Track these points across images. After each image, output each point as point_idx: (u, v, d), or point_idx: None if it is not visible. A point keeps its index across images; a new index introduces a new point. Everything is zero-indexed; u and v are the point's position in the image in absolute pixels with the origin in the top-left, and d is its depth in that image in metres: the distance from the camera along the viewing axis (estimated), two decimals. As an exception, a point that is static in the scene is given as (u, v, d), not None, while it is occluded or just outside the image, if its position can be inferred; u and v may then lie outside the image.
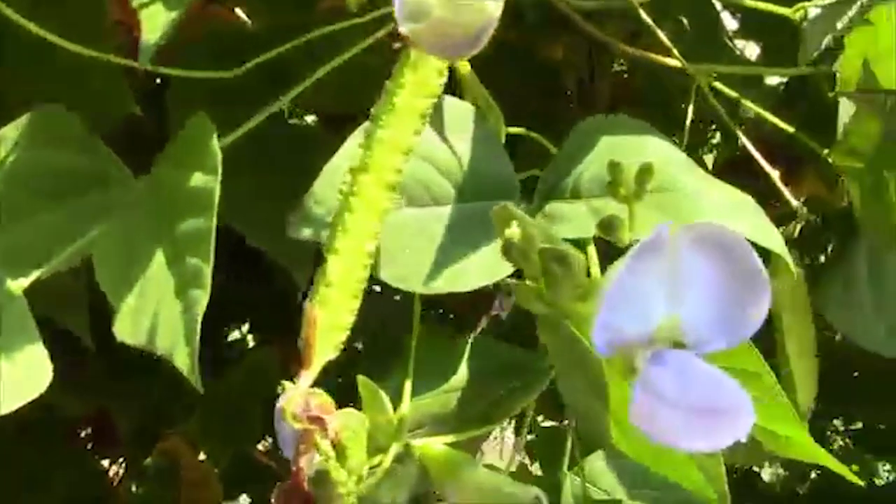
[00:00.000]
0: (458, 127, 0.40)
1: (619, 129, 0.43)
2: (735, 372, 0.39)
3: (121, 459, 1.35)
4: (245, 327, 1.31)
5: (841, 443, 1.79)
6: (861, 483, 0.39)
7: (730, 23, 0.81)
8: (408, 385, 0.40)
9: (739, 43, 0.81)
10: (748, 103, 0.62)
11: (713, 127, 1.04)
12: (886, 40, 0.46)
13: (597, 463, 0.51)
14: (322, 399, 0.32)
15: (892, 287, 0.56)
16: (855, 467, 1.76)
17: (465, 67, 0.48)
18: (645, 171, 0.31)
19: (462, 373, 0.42)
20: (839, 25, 0.47)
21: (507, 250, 0.28)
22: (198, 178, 0.32)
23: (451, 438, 0.39)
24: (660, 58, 0.62)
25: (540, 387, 0.41)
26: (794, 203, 0.56)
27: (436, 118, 0.40)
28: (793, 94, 0.77)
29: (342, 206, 0.30)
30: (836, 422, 1.70)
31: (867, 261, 0.57)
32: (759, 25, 0.80)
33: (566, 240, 0.35)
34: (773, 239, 0.39)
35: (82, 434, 1.29)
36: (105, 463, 1.32)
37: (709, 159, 1.08)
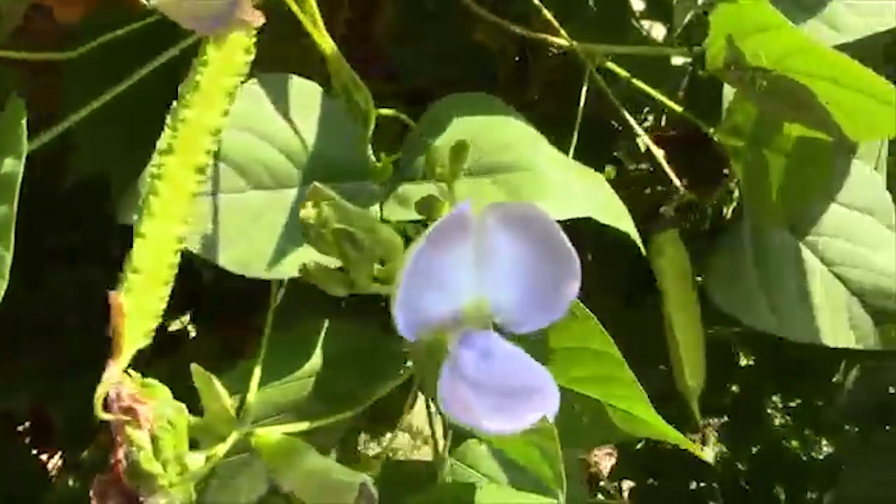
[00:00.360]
0: (304, 108, 0.40)
1: (475, 109, 0.42)
2: (582, 351, 0.39)
3: (60, 454, 1.34)
4: (186, 317, 1.29)
5: (781, 420, 1.82)
6: (707, 459, 0.39)
7: (637, 4, 0.81)
8: (256, 372, 0.39)
9: (646, 23, 0.81)
10: (640, 84, 0.62)
11: (646, 109, 1.05)
12: (750, 16, 0.46)
13: (479, 448, 0.51)
14: (136, 388, 0.32)
15: (776, 265, 0.57)
16: (795, 442, 1.78)
17: (328, 47, 0.47)
18: (459, 150, 0.30)
19: (316, 359, 0.41)
20: (701, 1, 0.47)
21: (305, 231, 0.27)
22: (7, 164, 0.31)
23: (303, 426, 0.38)
24: (550, 38, 0.61)
25: (393, 372, 0.40)
26: (676, 182, 0.56)
27: (280, 99, 0.40)
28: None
29: (149, 189, 0.29)
30: (775, 399, 1.73)
31: (752, 239, 0.57)
32: (666, 6, 0.81)
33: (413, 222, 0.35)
34: (622, 219, 0.39)
35: (20, 429, 1.27)
36: (45, 457, 1.31)
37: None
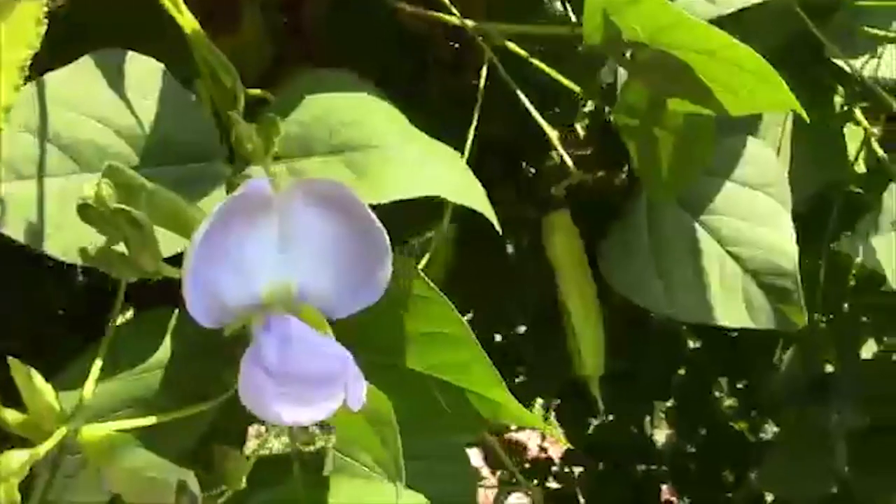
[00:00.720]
0: (142, 87, 0.38)
1: (333, 88, 0.41)
2: (439, 336, 0.37)
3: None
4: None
5: (729, 402, 1.82)
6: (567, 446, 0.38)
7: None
8: (96, 364, 0.37)
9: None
10: (538, 63, 0.61)
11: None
12: (623, -11, 0.44)
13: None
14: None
15: (671, 244, 0.56)
16: (743, 424, 1.79)
17: (188, 24, 0.45)
18: (269, 128, 0.29)
19: (165, 350, 0.39)
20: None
21: (83, 212, 0.25)
22: None
23: (144, 422, 0.37)
24: (442, 16, 0.60)
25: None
26: (568, 163, 0.55)
27: (117, 77, 0.38)
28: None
29: (-66, 172, 0.28)
30: (722, 381, 1.74)
31: (647, 218, 0.57)
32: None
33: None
34: (476, 199, 0.37)
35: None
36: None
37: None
